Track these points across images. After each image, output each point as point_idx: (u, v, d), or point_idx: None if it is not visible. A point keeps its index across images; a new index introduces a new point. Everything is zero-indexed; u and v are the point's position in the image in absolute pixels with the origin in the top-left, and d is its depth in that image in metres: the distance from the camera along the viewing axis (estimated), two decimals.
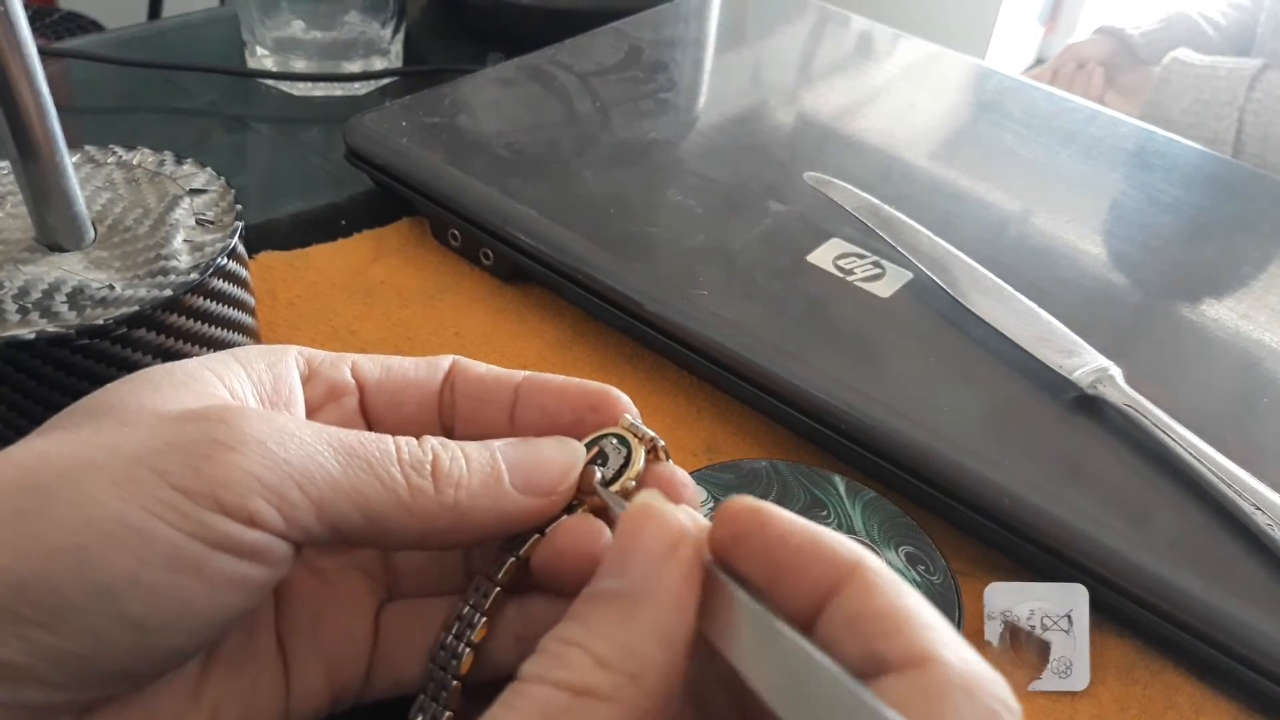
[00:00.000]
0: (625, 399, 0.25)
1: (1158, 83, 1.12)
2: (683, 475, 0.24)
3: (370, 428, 0.26)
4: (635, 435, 0.24)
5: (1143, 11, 1.29)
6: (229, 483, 0.20)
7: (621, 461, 0.24)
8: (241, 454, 0.20)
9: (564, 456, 0.24)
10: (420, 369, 0.26)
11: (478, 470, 0.23)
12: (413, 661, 0.25)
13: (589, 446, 0.25)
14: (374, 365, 0.26)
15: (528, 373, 0.26)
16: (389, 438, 0.22)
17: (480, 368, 0.26)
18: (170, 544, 0.19)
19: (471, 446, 0.23)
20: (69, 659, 0.19)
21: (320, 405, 0.25)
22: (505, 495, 0.23)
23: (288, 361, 0.25)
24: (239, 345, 0.29)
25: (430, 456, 0.22)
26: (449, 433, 0.26)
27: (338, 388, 0.25)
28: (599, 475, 0.24)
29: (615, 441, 0.25)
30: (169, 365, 0.23)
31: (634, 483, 0.24)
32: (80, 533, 0.19)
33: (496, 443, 0.24)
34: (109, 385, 0.23)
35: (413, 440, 0.23)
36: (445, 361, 0.26)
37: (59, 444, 0.21)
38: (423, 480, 0.22)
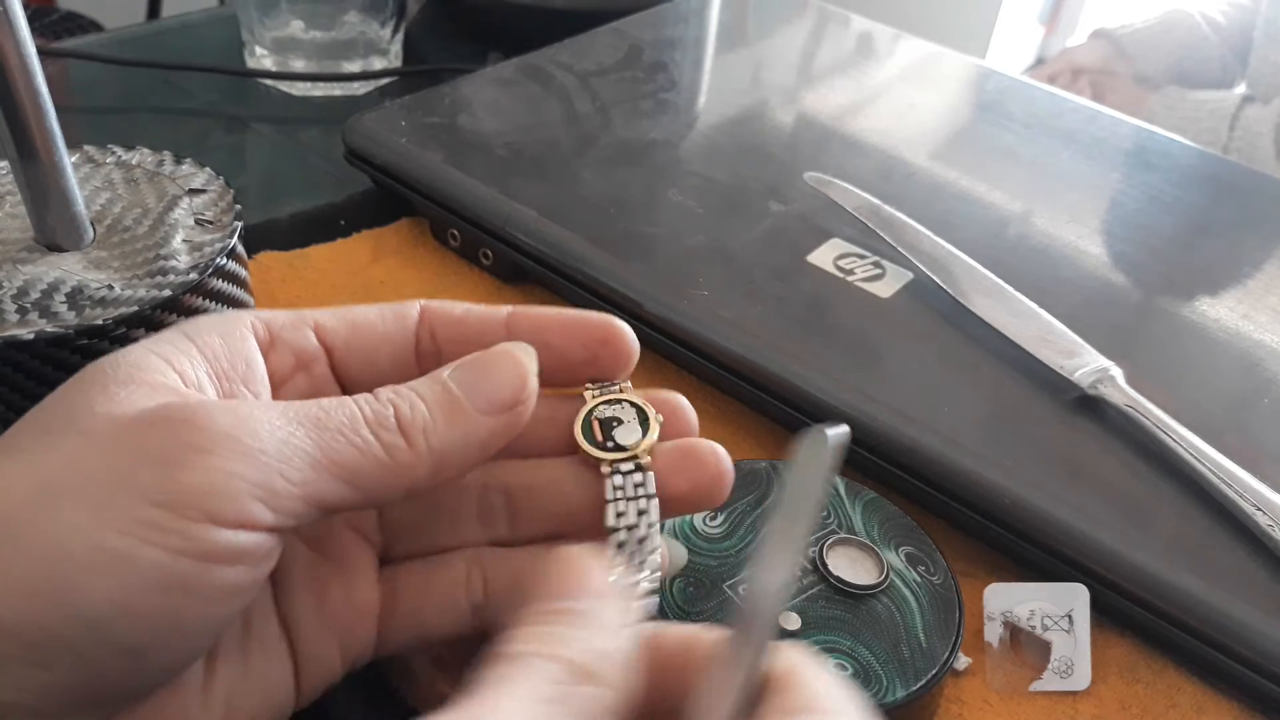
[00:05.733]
0: (628, 328, 0.25)
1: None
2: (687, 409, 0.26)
3: (346, 392, 0.25)
4: (631, 401, 0.25)
5: (1141, 11, 1.28)
6: (212, 488, 0.19)
7: (636, 418, 0.25)
8: (216, 454, 0.19)
9: (514, 366, 0.23)
10: (388, 321, 0.25)
11: (437, 406, 0.22)
12: (428, 611, 0.25)
13: (590, 415, 0.25)
14: (339, 323, 0.25)
15: (511, 307, 0.25)
16: (348, 400, 0.22)
17: (457, 309, 0.25)
18: (157, 566, 0.18)
19: (422, 384, 0.23)
20: (63, 690, 0.19)
21: (289, 376, 0.24)
22: (473, 422, 0.22)
23: (242, 330, 0.24)
24: None
25: (390, 409, 0.22)
26: None
27: (304, 355, 0.24)
28: (638, 436, 0.24)
29: (615, 406, 0.25)
30: (112, 357, 0.22)
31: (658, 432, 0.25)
32: (57, 565, 0.18)
33: (444, 371, 0.23)
34: (53, 393, 0.21)
35: (369, 396, 0.22)
36: (413, 309, 0.25)
37: (14, 469, 0.19)
38: (393, 436, 0.21)
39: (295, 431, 0.20)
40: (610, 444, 0.24)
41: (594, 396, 0.25)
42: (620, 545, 0.23)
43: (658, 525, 0.24)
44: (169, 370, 0.21)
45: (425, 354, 0.25)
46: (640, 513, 0.24)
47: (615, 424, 0.25)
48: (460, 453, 0.22)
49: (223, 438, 0.19)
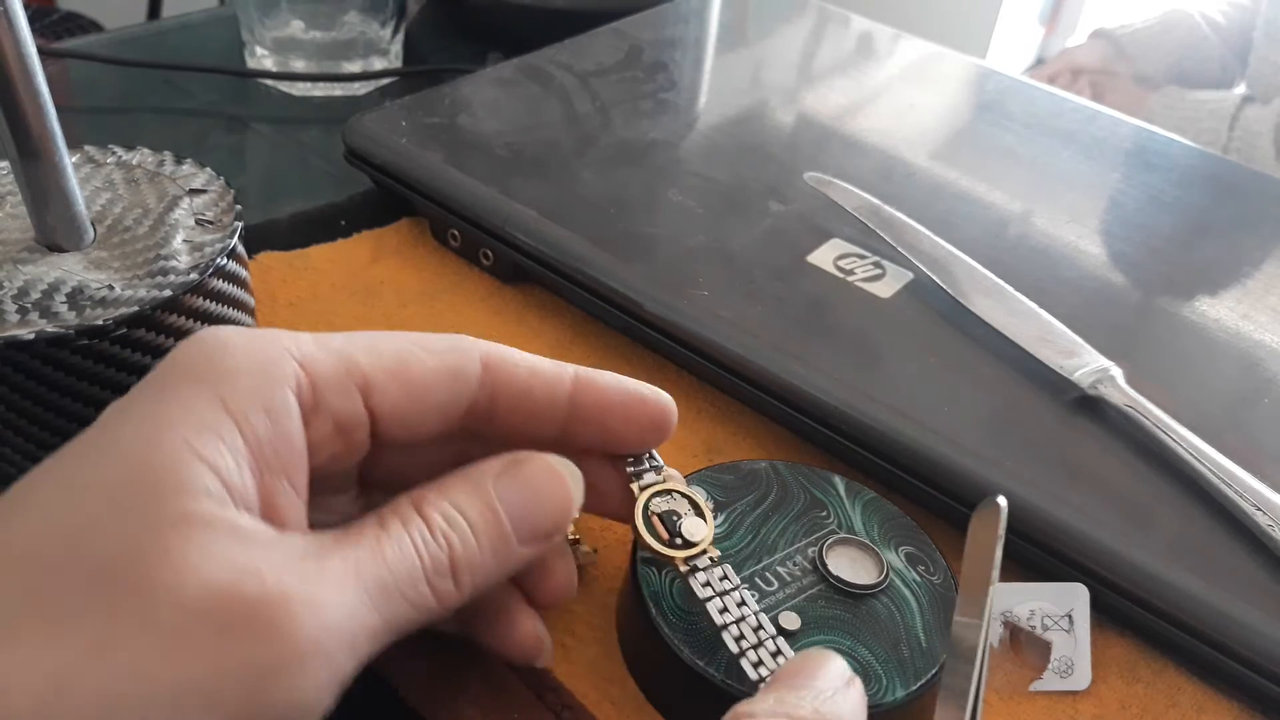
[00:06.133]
0: (674, 405, 0.26)
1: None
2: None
3: (378, 447, 0.24)
4: (681, 492, 0.26)
5: (1141, 11, 1.28)
6: (297, 706, 0.18)
7: (690, 507, 0.26)
8: (304, 672, 0.18)
9: (563, 497, 0.24)
10: (444, 382, 0.23)
11: (486, 540, 0.22)
12: None
13: (649, 507, 0.26)
14: (391, 382, 0.23)
15: (575, 372, 0.25)
16: (408, 543, 0.21)
17: (522, 370, 0.24)
18: None
19: (472, 507, 0.22)
20: None
21: (325, 442, 0.23)
22: (512, 554, 0.23)
23: (285, 398, 0.21)
24: None
25: (445, 548, 0.21)
26: (472, 436, 0.25)
27: (346, 424, 0.23)
28: (703, 529, 0.26)
29: (667, 497, 0.26)
30: (142, 447, 0.19)
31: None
32: None
33: (488, 480, 0.23)
34: (81, 513, 0.19)
35: (426, 532, 0.21)
36: (473, 366, 0.24)
37: (70, 659, 0.17)
38: (446, 582, 0.21)
39: (364, 604, 0.20)
40: (680, 541, 0.25)
41: (643, 488, 0.26)
42: (738, 639, 0.24)
43: (762, 613, 0.25)
44: (213, 480, 0.19)
45: (478, 414, 0.25)
46: (740, 604, 0.25)
47: (675, 518, 0.25)
48: (493, 581, 0.23)
49: (310, 653, 0.18)
